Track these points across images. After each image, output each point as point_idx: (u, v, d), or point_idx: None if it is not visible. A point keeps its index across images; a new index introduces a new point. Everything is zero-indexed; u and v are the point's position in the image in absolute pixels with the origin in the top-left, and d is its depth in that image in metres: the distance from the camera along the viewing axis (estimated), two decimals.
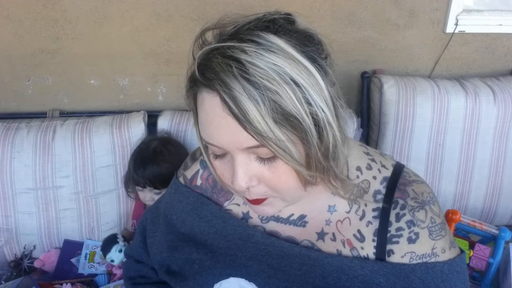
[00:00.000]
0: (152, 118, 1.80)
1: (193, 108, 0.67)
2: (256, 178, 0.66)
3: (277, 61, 0.58)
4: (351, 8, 1.85)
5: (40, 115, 1.86)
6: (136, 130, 1.72)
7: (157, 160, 1.54)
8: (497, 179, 1.83)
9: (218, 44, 0.61)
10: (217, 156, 0.69)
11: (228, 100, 0.58)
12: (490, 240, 1.55)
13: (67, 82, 1.88)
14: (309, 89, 0.59)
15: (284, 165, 0.64)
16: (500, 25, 1.93)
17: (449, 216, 1.51)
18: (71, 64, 1.85)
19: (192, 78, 0.64)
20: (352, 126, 1.76)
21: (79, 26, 1.78)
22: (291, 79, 0.58)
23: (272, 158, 0.64)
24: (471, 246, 1.52)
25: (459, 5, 1.87)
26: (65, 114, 1.89)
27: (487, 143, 1.80)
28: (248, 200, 0.71)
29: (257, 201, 0.70)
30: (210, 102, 0.61)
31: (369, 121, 1.95)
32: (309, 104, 0.59)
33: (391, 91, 1.79)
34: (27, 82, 1.87)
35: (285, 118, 0.58)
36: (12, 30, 1.77)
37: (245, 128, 0.58)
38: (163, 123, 1.76)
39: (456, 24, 1.90)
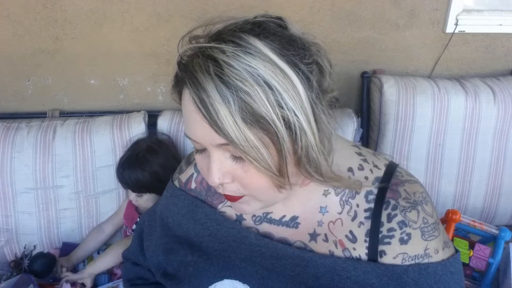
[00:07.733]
0: (152, 118, 1.79)
1: (179, 102, 0.69)
2: (230, 176, 0.67)
3: (252, 62, 0.59)
4: (351, 8, 1.85)
5: (40, 115, 1.86)
6: (137, 130, 1.72)
7: (134, 166, 1.52)
8: (497, 179, 1.83)
9: (201, 45, 0.63)
10: (197, 151, 0.71)
11: (196, 100, 0.60)
12: (490, 240, 1.55)
13: (67, 82, 1.88)
14: (282, 92, 0.59)
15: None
16: (500, 25, 1.92)
17: (449, 216, 1.51)
18: (71, 64, 1.85)
19: (176, 74, 0.66)
20: (352, 126, 1.75)
21: (79, 26, 1.78)
22: (264, 81, 0.59)
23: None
24: (471, 246, 1.51)
25: (459, 5, 1.87)
26: (65, 114, 1.89)
27: (487, 143, 1.80)
28: (224, 196, 0.72)
29: (233, 198, 0.71)
30: (188, 98, 0.63)
31: (369, 121, 1.94)
32: (281, 107, 0.59)
33: (391, 91, 1.78)
34: (27, 82, 1.87)
35: (256, 120, 0.59)
36: (12, 30, 1.77)
37: (212, 127, 0.60)
38: (163, 123, 1.75)
39: (456, 24, 1.89)
